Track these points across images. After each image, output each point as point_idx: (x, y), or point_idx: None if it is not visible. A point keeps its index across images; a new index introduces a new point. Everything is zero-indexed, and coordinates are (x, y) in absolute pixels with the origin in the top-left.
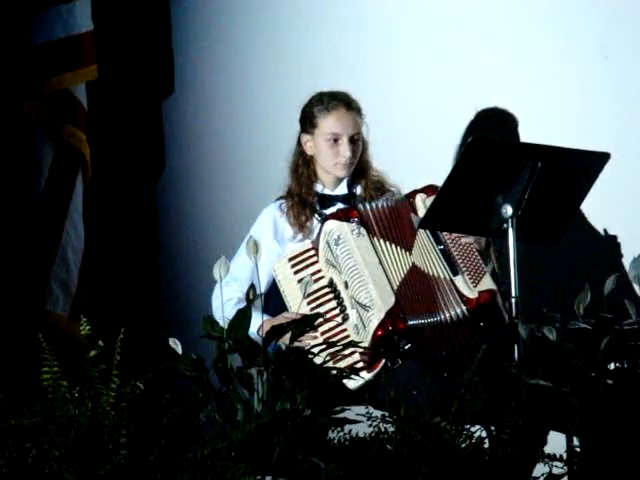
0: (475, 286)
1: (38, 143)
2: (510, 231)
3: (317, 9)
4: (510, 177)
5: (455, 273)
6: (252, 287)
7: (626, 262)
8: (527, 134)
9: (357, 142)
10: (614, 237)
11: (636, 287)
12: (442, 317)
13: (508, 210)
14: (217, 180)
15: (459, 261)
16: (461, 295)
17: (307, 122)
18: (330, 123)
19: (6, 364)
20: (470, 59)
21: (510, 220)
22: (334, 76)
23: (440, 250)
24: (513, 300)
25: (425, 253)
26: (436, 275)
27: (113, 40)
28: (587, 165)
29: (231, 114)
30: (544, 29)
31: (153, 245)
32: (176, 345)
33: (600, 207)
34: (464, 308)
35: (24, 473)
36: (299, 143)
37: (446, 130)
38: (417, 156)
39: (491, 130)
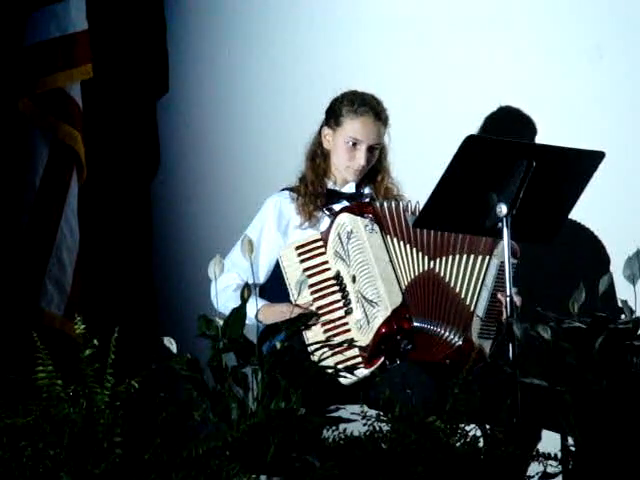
0: (478, 338)
1: (33, 142)
2: (505, 230)
3: (313, 8)
4: (505, 176)
5: (481, 313)
6: (247, 286)
7: (620, 261)
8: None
9: (374, 151)
10: (609, 236)
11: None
12: (440, 329)
13: (503, 209)
14: (212, 179)
15: (489, 310)
16: (467, 330)
17: (332, 117)
18: (354, 127)
19: (0, 363)
20: (464, 60)
21: (505, 219)
22: (331, 77)
23: (485, 286)
24: (508, 299)
25: (467, 273)
26: (461, 295)
27: (108, 39)
28: (582, 164)
29: (226, 113)
30: (539, 29)
31: (148, 244)
32: (171, 344)
33: (595, 206)
34: (459, 341)
35: (19, 472)
36: (319, 133)
37: (442, 132)
38: (416, 157)
39: (499, 131)
